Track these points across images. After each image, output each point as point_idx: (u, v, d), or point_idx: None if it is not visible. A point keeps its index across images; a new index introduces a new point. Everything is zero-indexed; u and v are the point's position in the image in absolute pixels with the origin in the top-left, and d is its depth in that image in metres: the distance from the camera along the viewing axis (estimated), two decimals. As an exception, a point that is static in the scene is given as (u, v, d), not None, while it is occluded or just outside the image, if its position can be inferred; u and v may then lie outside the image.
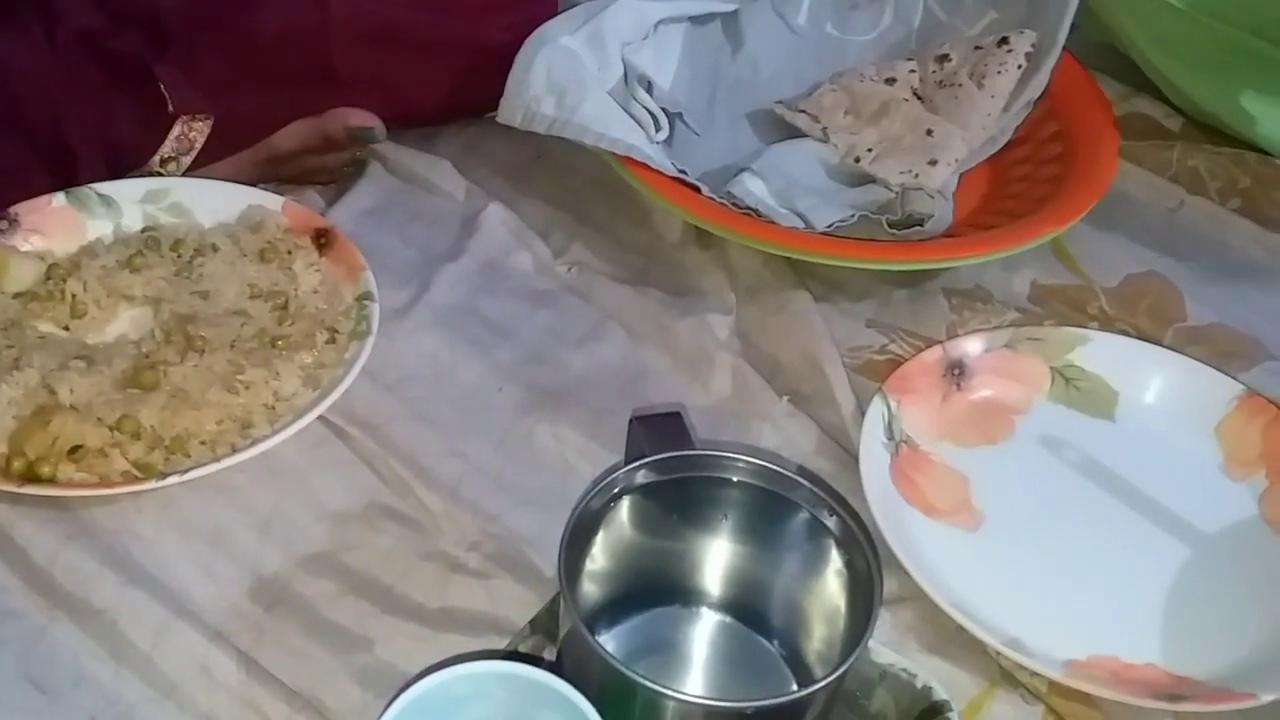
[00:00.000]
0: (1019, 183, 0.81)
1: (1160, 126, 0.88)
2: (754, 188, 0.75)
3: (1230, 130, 0.85)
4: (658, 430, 0.51)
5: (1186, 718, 0.54)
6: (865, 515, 0.58)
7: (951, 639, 0.56)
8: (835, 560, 0.48)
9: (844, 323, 0.73)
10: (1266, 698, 0.52)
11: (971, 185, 0.82)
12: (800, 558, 0.50)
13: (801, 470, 0.56)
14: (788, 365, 0.70)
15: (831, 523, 0.48)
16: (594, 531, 0.48)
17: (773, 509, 0.49)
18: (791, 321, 0.71)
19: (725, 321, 0.72)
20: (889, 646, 0.55)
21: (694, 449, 0.50)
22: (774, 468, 0.49)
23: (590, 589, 0.50)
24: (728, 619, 0.53)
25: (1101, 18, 0.89)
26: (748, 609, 0.52)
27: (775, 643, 0.52)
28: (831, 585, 0.49)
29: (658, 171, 0.73)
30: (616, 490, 0.48)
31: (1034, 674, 0.55)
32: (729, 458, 0.49)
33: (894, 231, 0.75)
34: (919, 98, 0.85)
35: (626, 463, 0.49)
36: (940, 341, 0.69)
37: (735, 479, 0.49)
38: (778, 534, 0.50)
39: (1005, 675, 0.56)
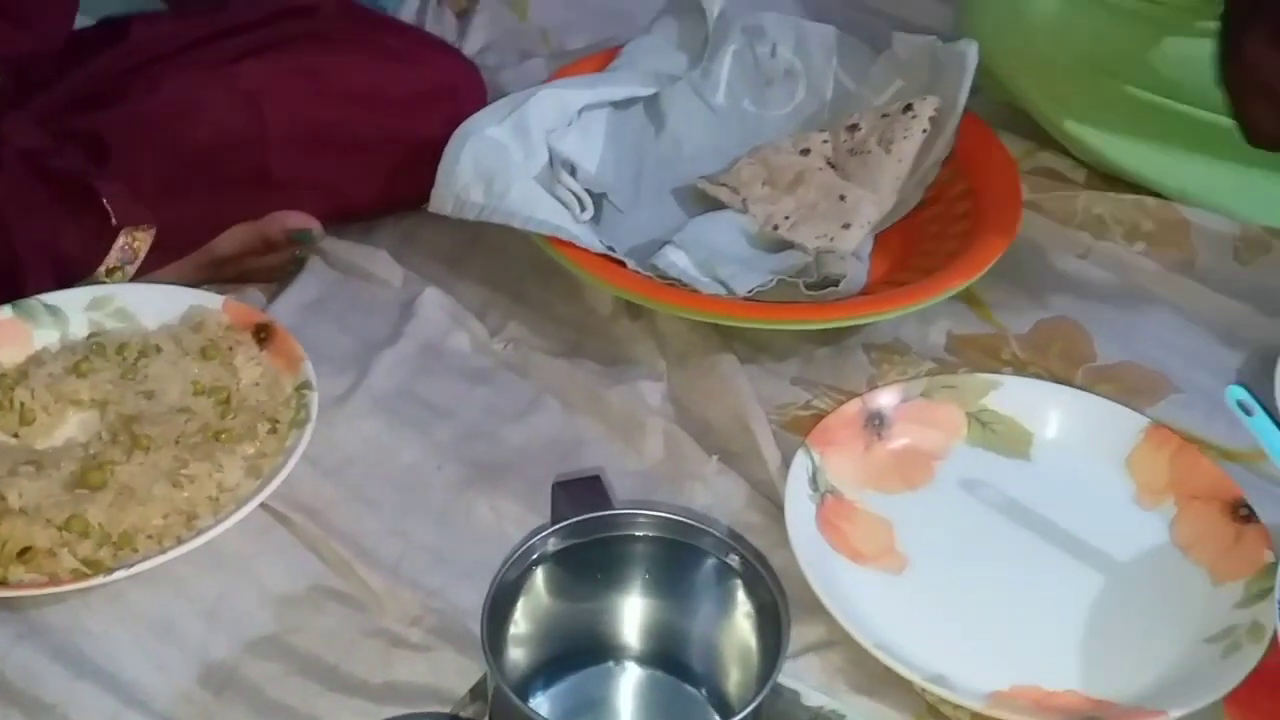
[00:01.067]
0: (931, 240, 0.85)
1: (1064, 178, 0.92)
2: (676, 259, 0.78)
3: (1131, 178, 0.90)
4: (577, 494, 0.53)
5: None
6: (791, 565, 0.61)
7: (880, 678, 0.58)
8: (744, 602, 0.50)
9: (770, 382, 0.76)
10: (1175, 714, 0.54)
11: (887, 245, 0.85)
12: (713, 603, 0.52)
13: (705, 518, 0.59)
14: (717, 426, 0.72)
15: (737, 565, 0.51)
16: (515, 599, 0.50)
17: (683, 558, 0.51)
18: (719, 384, 0.74)
19: (656, 388, 0.75)
20: (819, 689, 0.57)
21: (611, 509, 0.52)
22: (679, 519, 0.51)
23: (519, 654, 0.52)
24: (656, 671, 0.55)
25: (1002, 80, 0.94)
26: (673, 659, 0.54)
27: (703, 690, 0.54)
28: (743, 626, 0.51)
29: (585, 249, 0.77)
30: (534, 557, 0.50)
31: (958, 707, 0.57)
32: (638, 514, 0.51)
33: (811, 293, 0.78)
34: (832, 166, 0.89)
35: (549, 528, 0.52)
36: (860, 395, 0.72)
37: (646, 534, 0.51)
38: (691, 582, 0.52)
39: (931, 709, 0.58)
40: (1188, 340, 0.79)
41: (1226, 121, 0.85)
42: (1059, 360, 0.77)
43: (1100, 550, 0.65)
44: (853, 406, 0.71)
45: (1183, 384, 0.75)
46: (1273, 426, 0.59)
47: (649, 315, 0.79)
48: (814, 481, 0.67)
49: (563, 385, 0.75)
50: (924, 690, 0.57)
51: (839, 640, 0.59)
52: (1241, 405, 0.60)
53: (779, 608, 0.48)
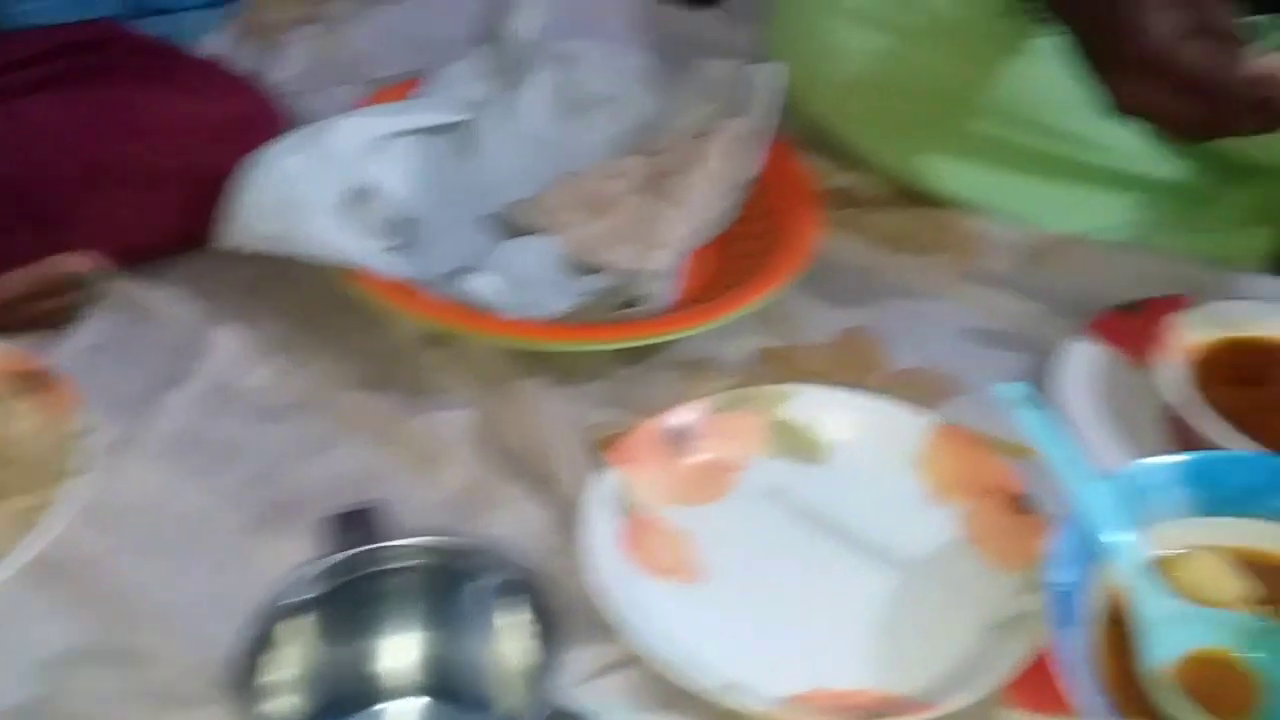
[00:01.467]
0: (739, 258, 0.87)
1: (865, 196, 0.95)
2: (482, 285, 0.78)
3: (929, 193, 0.93)
4: (351, 527, 0.52)
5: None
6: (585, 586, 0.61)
7: (680, 693, 0.59)
8: (523, 622, 0.50)
9: (580, 404, 0.76)
10: (958, 703, 0.56)
11: (700, 263, 0.87)
12: (489, 626, 0.51)
13: (479, 539, 0.58)
14: (523, 451, 0.72)
15: (512, 585, 0.50)
16: (273, 645, 0.49)
17: (457, 584, 0.51)
18: (526, 409, 0.74)
19: (461, 416, 0.74)
20: (620, 708, 0.57)
21: (383, 540, 0.51)
22: (448, 543, 0.50)
23: (286, 703, 0.50)
24: (442, 704, 0.54)
25: (805, 102, 0.97)
26: (458, 689, 0.53)
27: (491, 716, 0.53)
28: (524, 647, 0.50)
29: (382, 279, 0.76)
30: (295, 600, 0.49)
31: (752, 713, 0.58)
32: (404, 545, 0.50)
33: (616, 314, 0.79)
34: (643, 189, 0.91)
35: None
36: (664, 412, 0.73)
37: (417, 564, 0.50)
38: (467, 607, 0.51)
39: (730, 718, 0.58)
40: (978, 343, 0.82)
41: (1015, 133, 0.90)
42: (856, 369, 0.79)
43: (894, 549, 0.67)
44: (654, 424, 0.72)
45: (972, 385, 0.78)
46: (1040, 422, 0.62)
47: (457, 343, 0.79)
48: (616, 500, 0.67)
49: (364, 419, 0.74)
50: (723, 700, 0.58)
51: (638, 658, 0.60)
52: (1012, 401, 0.63)
53: (554, 626, 0.48)
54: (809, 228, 0.85)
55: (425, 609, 0.52)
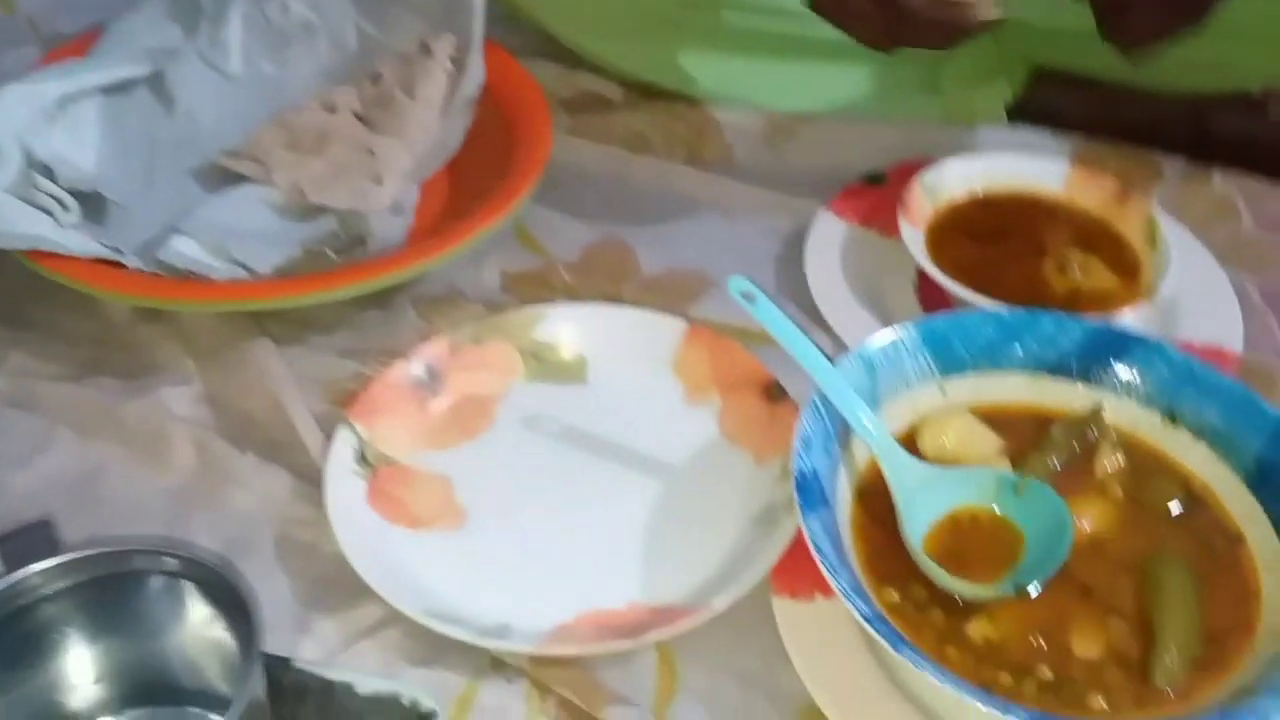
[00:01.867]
0: (474, 180, 0.83)
1: (602, 98, 0.93)
2: (184, 248, 0.72)
3: (663, 87, 0.91)
4: (18, 550, 0.47)
5: (672, 650, 0.57)
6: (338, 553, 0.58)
7: (443, 646, 0.56)
8: (206, 607, 0.47)
9: (317, 359, 0.72)
10: (720, 606, 0.56)
11: (435, 193, 0.83)
12: (181, 623, 0.47)
13: (137, 538, 0.54)
14: (257, 419, 0.68)
15: (185, 573, 0.47)
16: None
17: (129, 587, 0.46)
18: (254, 373, 0.69)
19: (184, 392, 0.69)
20: (376, 673, 0.54)
21: (54, 557, 0.46)
22: (110, 549, 0.46)
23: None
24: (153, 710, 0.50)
25: (525, 6, 0.93)
26: (163, 690, 0.49)
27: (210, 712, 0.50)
28: (216, 633, 0.47)
29: (72, 257, 0.69)
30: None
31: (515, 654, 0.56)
32: (56, 563, 0.46)
33: (341, 258, 0.74)
34: (361, 119, 0.86)
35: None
36: (408, 355, 0.69)
37: (81, 579, 0.46)
38: (156, 611, 0.47)
39: (495, 663, 0.57)
40: (726, 237, 0.82)
41: (739, 17, 0.89)
42: (607, 280, 0.78)
43: (656, 459, 0.66)
44: (399, 369, 0.68)
45: (721, 280, 0.77)
46: (775, 311, 0.62)
47: (171, 315, 0.73)
48: (360, 456, 0.64)
49: (75, 412, 0.67)
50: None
51: (398, 617, 0.57)
52: (745, 295, 0.62)
53: (242, 602, 0.44)
54: (542, 141, 0.81)
55: (108, 621, 0.47)
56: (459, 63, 0.85)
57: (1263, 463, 0.58)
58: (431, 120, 0.84)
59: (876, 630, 0.50)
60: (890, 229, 0.76)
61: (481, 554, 0.61)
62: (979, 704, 0.47)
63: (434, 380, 0.69)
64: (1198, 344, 0.70)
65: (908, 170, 0.79)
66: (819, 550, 0.53)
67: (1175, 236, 0.74)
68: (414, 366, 0.68)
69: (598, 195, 0.85)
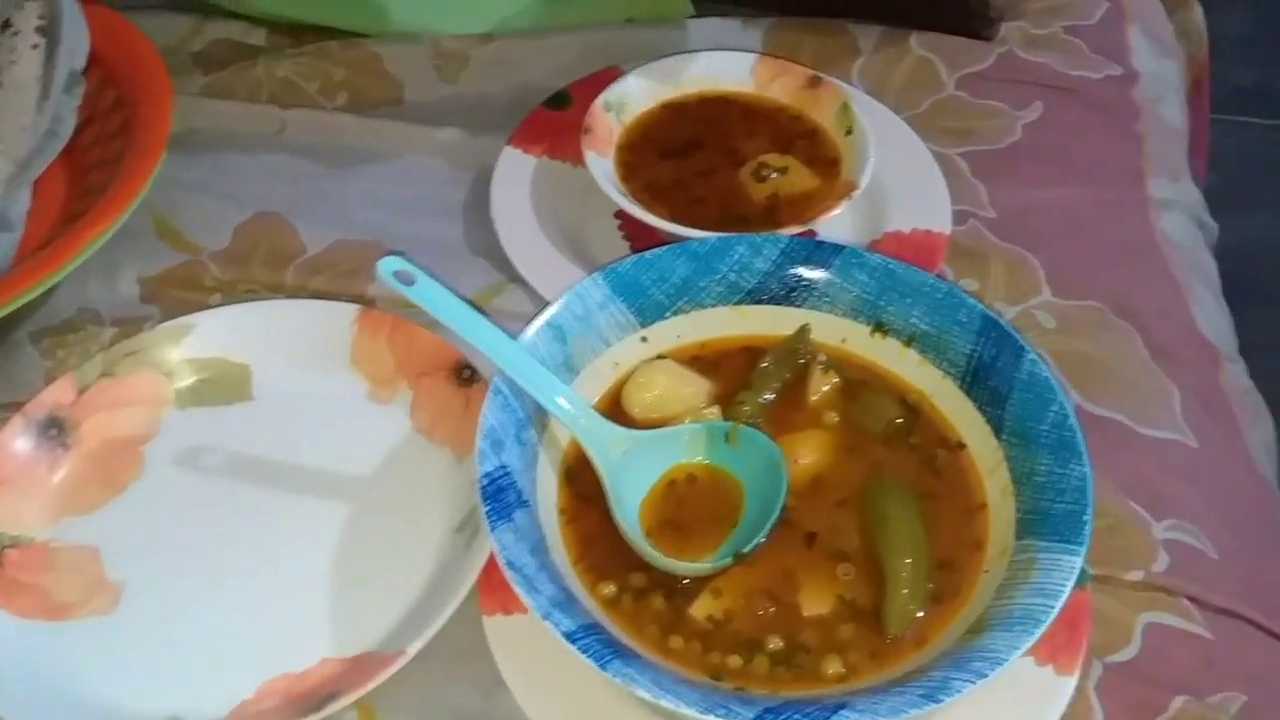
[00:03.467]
0: (96, 171, 0.73)
1: (242, 47, 0.83)
2: None
3: (309, 23, 0.83)
4: None
5: (372, 704, 0.52)
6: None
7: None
8: None
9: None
10: (413, 650, 0.51)
11: (49, 194, 0.72)
12: None
13: None
14: None
15: None
16: None
17: None
18: None
19: None
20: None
21: None
22: None
23: None
24: None
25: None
26: None
27: None
28: None
29: None
30: None
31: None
32: None
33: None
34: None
35: None
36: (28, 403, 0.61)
37: None
38: None
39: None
40: (405, 191, 0.75)
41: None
42: (265, 267, 0.70)
43: (343, 475, 0.60)
44: (14, 426, 0.59)
45: (403, 242, 0.71)
46: (439, 290, 0.56)
47: None
48: (-19, 544, 0.56)
49: None
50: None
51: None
52: (400, 277, 0.56)
53: None
54: (161, 111, 0.72)
55: None
56: (49, 32, 0.74)
57: (974, 362, 0.57)
58: (27, 107, 0.73)
59: (580, 649, 0.46)
60: (582, 156, 0.71)
61: (141, 637, 0.54)
62: (697, 714, 0.45)
63: (61, 432, 0.60)
64: (906, 232, 0.69)
65: (595, 86, 0.73)
66: (511, 567, 0.48)
67: (876, 118, 0.71)
68: (33, 419, 0.60)
69: (246, 164, 0.76)
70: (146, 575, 0.56)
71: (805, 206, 0.67)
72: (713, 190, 0.69)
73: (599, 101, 0.71)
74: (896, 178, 0.71)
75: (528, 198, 0.72)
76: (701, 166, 0.71)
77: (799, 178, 0.69)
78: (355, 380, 0.64)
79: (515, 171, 0.73)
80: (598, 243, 0.71)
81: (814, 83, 0.72)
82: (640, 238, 0.70)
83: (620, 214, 0.71)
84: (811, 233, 0.66)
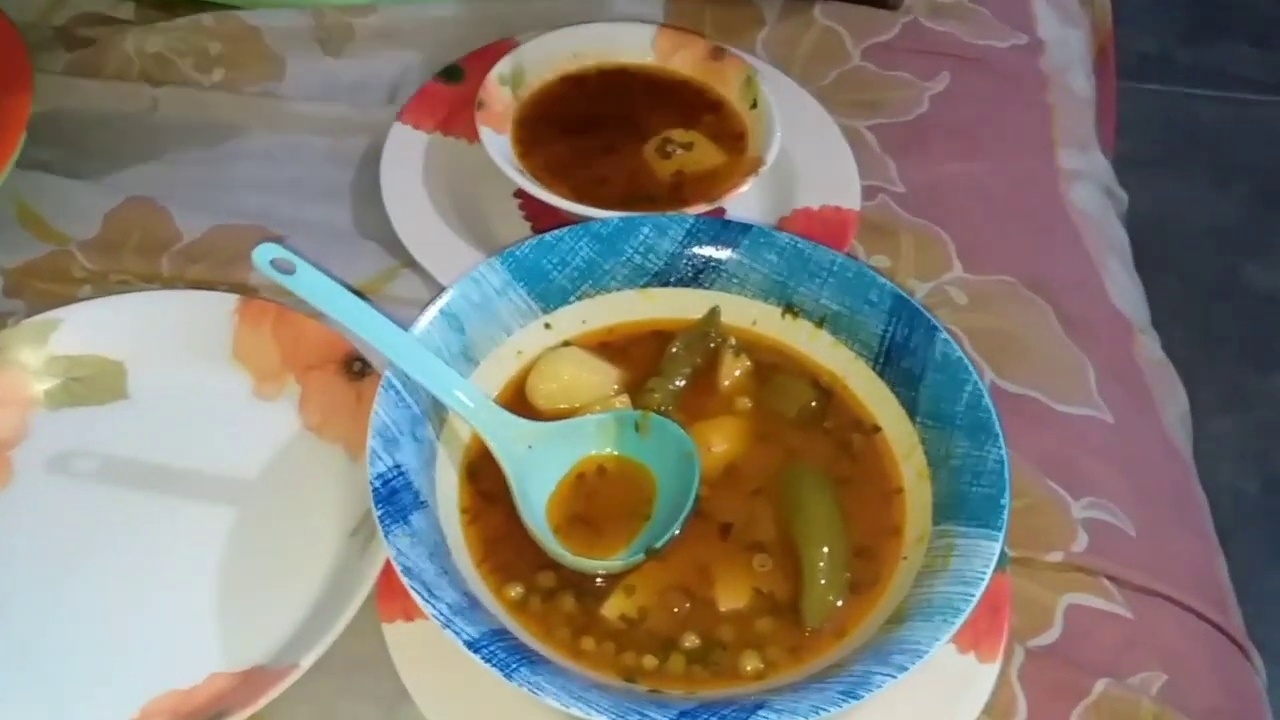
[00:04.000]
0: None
1: (108, 20, 0.79)
2: None
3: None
4: None
5: None
6: None
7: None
8: None
9: None
10: (307, 664, 0.49)
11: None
12: None
13: None
14: None
15: None
16: None
17: None
18: None
19: None
20: None
21: None
22: None
23: None
24: None
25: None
26: None
27: None
28: None
29: None
30: None
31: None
32: None
33: None
34: None
35: None
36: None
37: None
38: None
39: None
40: (288, 172, 0.71)
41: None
42: (138, 256, 0.66)
43: (228, 478, 0.57)
44: None
45: (286, 227, 0.67)
46: (321, 280, 0.53)
47: None
48: None
49: None
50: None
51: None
52: (278, 266, 0.53)
53: None
54: (19, 90, 0.67)
55: None
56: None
57: (887, 342, 0.56)
58: None
59: (483, 658, 0.44)
60: (476, 134, 0.68)
61: (12, 655, 0.51)
62: (611, 720, 0.43)
63: (-72, 444, 0.57)
64: (815, 209, 0.68)
65: (489, 58, 0.71)
66: (408, 573, 0.46)
67: (781, 91, 0.70)
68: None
69: (115, 147, 0.72)
70: (17, 589, 0.53)
71: (712, 184, 0.66)
72: (616, 168, 0.67)
73: (493, 75, 0.69)
74: (804, 153, 0.70)
75: (420, 177, 0.69)
76: (603, 142, 0.69)
77: (705, 154, 0.67)
78: (238, 375, 0.61)
79: (406, 149, 0.70)
80: (498, 224, 0.68)
81: (717, 54, 0.70)
82: (542, 218, 0.68)
83: (520, 193, 0.69)
84: (720, 211, 0.64)
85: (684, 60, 0.71)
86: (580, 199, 0.64)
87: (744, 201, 0.65)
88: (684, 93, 0.70)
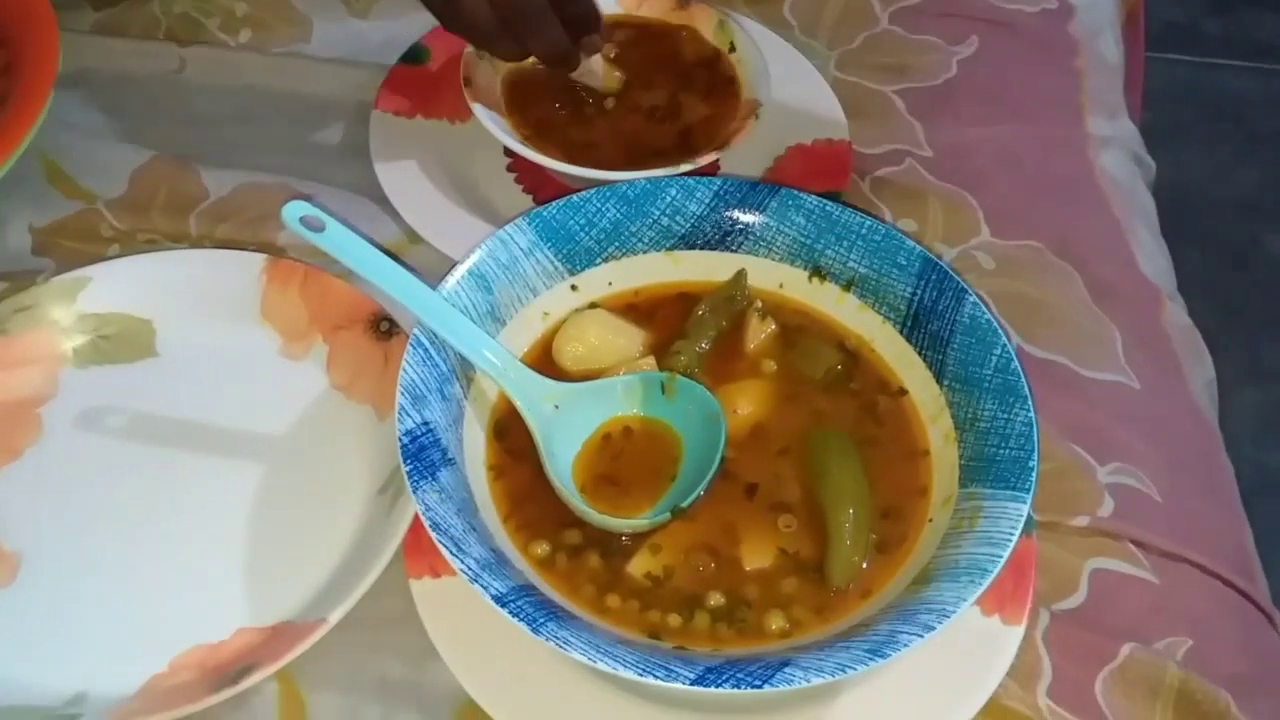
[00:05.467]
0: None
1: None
2: None
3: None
4: None
5: (293, 674, 0.50)
6: None
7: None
8: None
9: None
10: (335, 618, 0.49)
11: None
12: None
13: None
14: None
15: None
16: None
17: None
18: None
19: None
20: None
21: None
22: None
23: None
24: None
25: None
26: None
27: None
28: None
29: None
30: None
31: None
32: None
33: None
34: None
35: None
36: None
37: None
38: None
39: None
40: (311, 133, 0.71)
41: None
42: (166, 215, 0.66)
43: (256, 435, 0.58)
44: (-107, 390, 0.56)
45: (313, 187, 0.67)
46: (351, 237, 0.53)
47: None
48: None
49: None
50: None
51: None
52: (307, 223, 0.53)
53: None
54: (47, 48, 0.67)
55: None
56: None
57: (914, 306, 0.55)
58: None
59: (510, 613, 0.44)
60: (460, 111, 0.66)
61: (42, 610, 0.51)
62: (636, 676, 0.43)
63: (-53, 394, 0.57)
64: (808, 144, 0.68)
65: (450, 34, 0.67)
66: (436, 528, 0.46)
67: (747, 31, 0.68)
68: (-83, 383, 0.56)
69: (143, 106, 0.72)
70: (47, 545, 0.53)
71: (714, 130, 0.65)
72: (614, 130, 0.66)
73: (470, 49, 0.66)
74: (781, 91, 0.67)
75: (416, 165, 0.67)
76: (579, 118, 0.66)
77: (697, 105, 0.66)
78: (266, 334, 0.61)
79: (392, 137, 0.69)
80: (499, 201, 0.67)
81: (683, 2, 0.69)
82: (541, 189, 0.67)
83: (515, 166, 0.68)
84: (716, 164, 0.63)
85: (651, 10, 0.70)
86: (578, 161, 0.62)
87: (736, 148, 0.63)
88: (683, 49, 0.69)
